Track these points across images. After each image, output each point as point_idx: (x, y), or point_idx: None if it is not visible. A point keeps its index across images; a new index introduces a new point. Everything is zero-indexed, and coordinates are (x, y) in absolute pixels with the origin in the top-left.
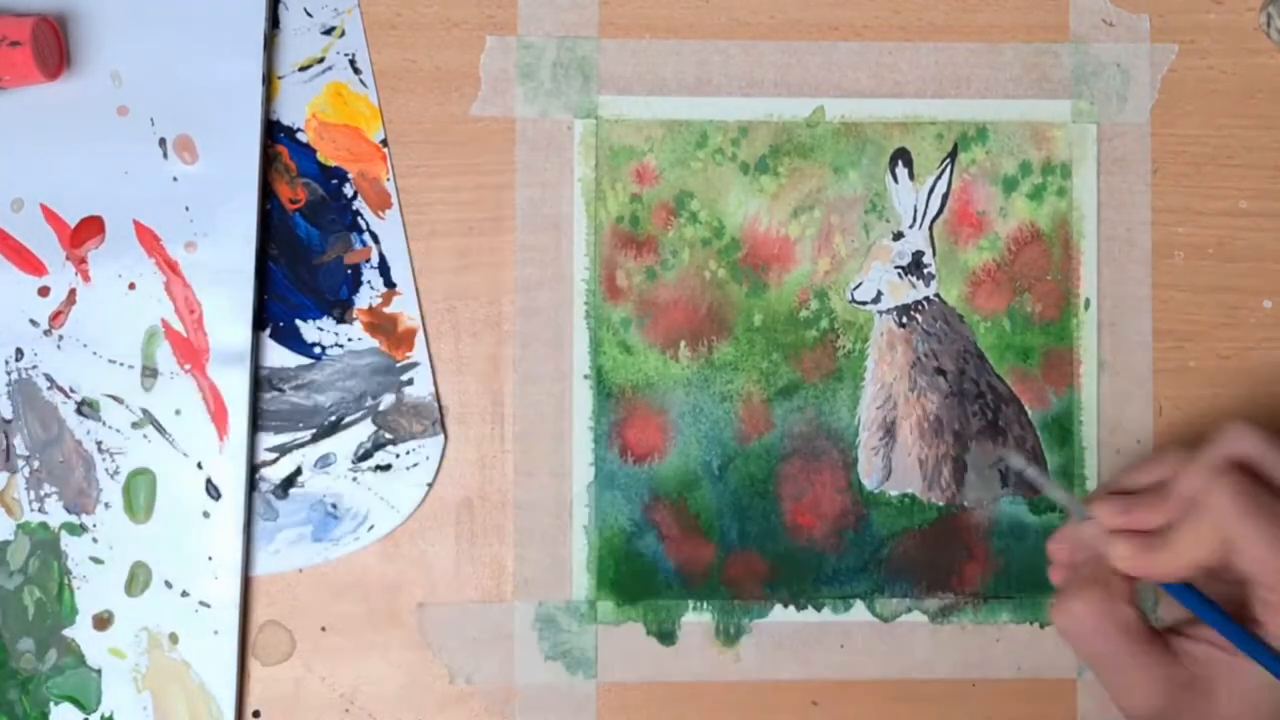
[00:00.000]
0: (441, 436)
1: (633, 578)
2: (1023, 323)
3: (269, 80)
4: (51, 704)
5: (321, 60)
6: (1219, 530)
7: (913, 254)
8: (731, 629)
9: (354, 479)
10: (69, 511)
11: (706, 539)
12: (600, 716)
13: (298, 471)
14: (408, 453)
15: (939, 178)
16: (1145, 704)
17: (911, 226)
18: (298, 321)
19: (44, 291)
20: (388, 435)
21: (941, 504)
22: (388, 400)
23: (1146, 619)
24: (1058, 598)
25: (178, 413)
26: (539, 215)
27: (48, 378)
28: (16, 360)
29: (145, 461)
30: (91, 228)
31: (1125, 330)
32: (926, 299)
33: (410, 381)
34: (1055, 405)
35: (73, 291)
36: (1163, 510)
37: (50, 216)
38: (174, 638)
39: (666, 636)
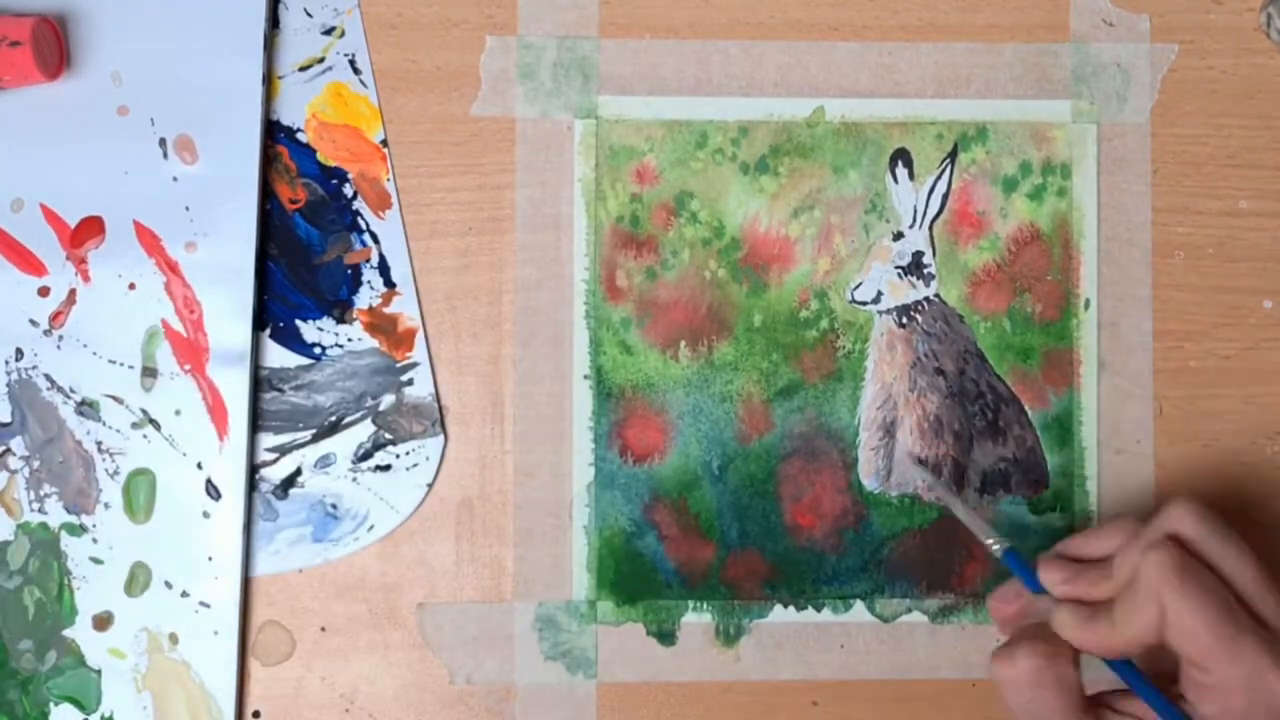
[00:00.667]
0: (441, 437)
1: (633, 578)
2: (1023, 323)
3: (269, 80)
4: (51, 704)
5: (321, 60)
6: (1152, 604)
7: (913, 254)
8: (731, 629)
9: (354, 479)
10: (69, 512)
11: (706, 539)
12: (600, 716)
13: (298, 472)
14: (408, 453)
15: (939, 178)
16: None
17: (911, 226)
18: (298, 321)
19: (44, 291)
20: (388, 435)
21: (942, 504)
22: (388, 400)
23: (1081, 685)
24: (1003, 646)
25: (177, 413)
26: (539, 215)
27: (48, 378)
28: (16, 360)
29: (145, 461)
30: (91, 228)
31: (1125, 330)
32: (926, 299)
33: (410, 381)
34: (1055, 405)
35: (73, 291)
36: (1106, 583)
37: (50, 216)
38: (174, 638)
39: (666, 636)
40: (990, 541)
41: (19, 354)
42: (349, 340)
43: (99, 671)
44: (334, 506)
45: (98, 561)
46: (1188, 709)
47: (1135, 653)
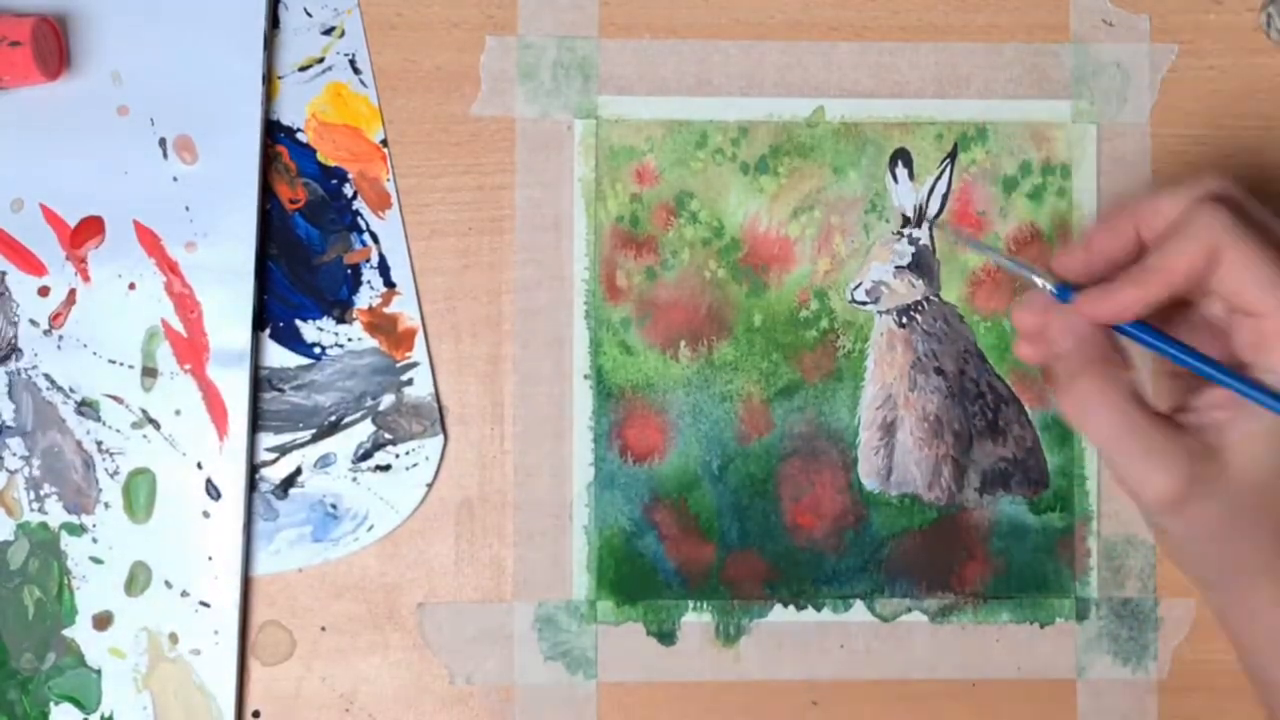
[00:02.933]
0: (441, 437)
1: (633, 578)
2: None
3: (269, 80)
4: (51, 704)
5: (321, 60)
6: (1199, 248)
7: (913, 254)
8: (731, 629)
9: (354, 479)
10: (69, 511)
11: (706, 539)
12: (600, 716)
13: (298, 471)
14: (408, 453)
15: (939, 178)
16: (1167, 478)
17: (912, 226)
18: (298, 321)
19: (44, 291)
20: (388, 435)
21: (942, 504)
22: (388, 400)
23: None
24: (1061, 384)
25: (177, 413)
26: (539, 215)
27: (48, 378)
28: (16, 360)
29: (145, 461)
30: (91, 228)
31: None
32: (926, 299)
33: (410, 381)
34: (1055, 405)
35: (73, 291)
36: (1123, 242)
37: (50, 216)
38: (174, 638)
39: (666, 636)
40: (1041, 282)
41: (19, 354)
42: (349, 340)
43: (99, 671)
44: (334, 506)
45: (98, 561)
46: (1244, 371)
47: (1162, 298)
